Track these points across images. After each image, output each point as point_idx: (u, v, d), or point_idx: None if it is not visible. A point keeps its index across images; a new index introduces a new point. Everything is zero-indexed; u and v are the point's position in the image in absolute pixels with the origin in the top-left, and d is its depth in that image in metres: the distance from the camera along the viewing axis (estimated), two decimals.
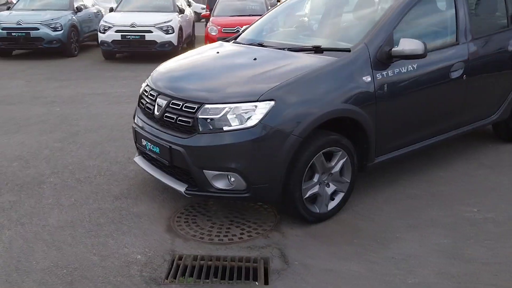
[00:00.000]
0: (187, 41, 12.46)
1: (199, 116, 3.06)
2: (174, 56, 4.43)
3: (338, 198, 3.41)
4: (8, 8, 12.28)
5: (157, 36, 10.55)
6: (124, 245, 3.07)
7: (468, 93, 4.05)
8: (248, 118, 2.98)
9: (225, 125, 3.00)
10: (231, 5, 12.17)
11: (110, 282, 2.70)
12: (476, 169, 4.25)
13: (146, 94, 3.63)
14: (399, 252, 2.99)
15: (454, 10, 3.98)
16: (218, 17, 11.63)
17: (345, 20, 4.44)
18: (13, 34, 10.87)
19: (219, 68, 3.72)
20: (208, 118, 3.04)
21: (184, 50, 10.18)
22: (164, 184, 3.38)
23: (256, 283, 2.70)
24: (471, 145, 4.81)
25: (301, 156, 3.08)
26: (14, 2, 13.25)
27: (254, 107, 2.99)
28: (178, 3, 11.97)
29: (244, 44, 4.22)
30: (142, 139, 3.51)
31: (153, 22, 10.63)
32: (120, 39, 10.49)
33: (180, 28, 11.18)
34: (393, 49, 3.38)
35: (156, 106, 3.41)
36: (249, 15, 11.12)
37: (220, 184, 3.11)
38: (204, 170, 3.07)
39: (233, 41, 4.44)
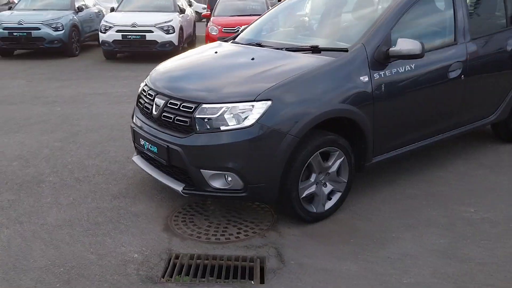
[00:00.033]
0: (188, 41, 12.48)
1: (197, 116, 3.07)
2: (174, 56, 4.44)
3: (335, 198, 3.41)
4: (10, 8, 12.33)
5: (158, 36, 10.57)
6: (121, 244, 3.08)
7: (466, 93, 4.05)
8: (245, 117, 2.99)
9: (222, 125, 3.01)
10: (231, 5, 12.19)
11: (106, 280, 2.71)
12: (475, 169, 4.25)
13: (145, 94, 3.65)
14: (396, 252, 3.00)
15: (452, 10, 3.98)
16: (219, 17, 11.66)
17: (343, 20, 4.44)
18: (14, 34, 10.91)
19: (217, 68, 3.72)
20: (205, 117, 3.04)
21: (185, 50, 10.16)
22: (162, 183, 3.39)
23: (252, 282, 2.71)
24: (470, 145, 4.81)
25: (298, 155, 3.08)
26: (16, 2, 13.29)
27: (251, 107, 3.00)
28: (179, 3, 12.00)
29: (242, 44, 4.23)
30: (140, 139, 3.53)
31: (153, 22, 10.65)
32: (121, 39, 10.51)
33: (181, 28, 11.20)
34: (390, 49, 3.38)
35: (154, 105, 3.42)
36: (250, 15, 11.11)
37: (217, 184, 3.12)
38: (201, 170, 3.08)
39: (231, 41, 4.45)
